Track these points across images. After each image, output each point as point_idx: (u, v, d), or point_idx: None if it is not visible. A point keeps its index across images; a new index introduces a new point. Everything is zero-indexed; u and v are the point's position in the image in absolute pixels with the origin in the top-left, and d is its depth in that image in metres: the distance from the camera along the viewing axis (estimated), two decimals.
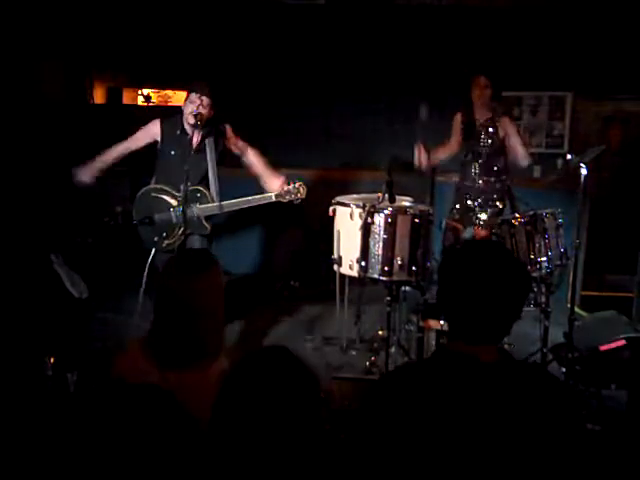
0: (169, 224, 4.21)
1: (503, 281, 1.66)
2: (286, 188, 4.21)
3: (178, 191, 4.12)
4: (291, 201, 4.23)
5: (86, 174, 4.28)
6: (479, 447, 1.54)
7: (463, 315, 1.69)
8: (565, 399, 1.66)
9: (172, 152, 4.22)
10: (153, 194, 4.26)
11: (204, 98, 4.12)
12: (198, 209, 4.17)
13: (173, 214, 4.20)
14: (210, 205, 4.20)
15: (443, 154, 5.02)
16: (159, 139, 4.28)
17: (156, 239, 4.26)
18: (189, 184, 4.04)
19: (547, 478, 1.55)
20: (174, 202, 4.19)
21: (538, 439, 1.56)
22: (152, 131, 4.29)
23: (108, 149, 4.35)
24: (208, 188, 4.23)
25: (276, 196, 4.21)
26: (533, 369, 1.79)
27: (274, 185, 4.27)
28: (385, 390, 1.70)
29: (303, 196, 4.24)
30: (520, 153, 4.78)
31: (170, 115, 4.33)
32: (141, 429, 1.20)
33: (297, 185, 4.23)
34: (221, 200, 4.25)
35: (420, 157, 4.84)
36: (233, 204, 4.23)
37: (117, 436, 1.18)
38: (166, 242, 4.24)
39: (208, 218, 4.25)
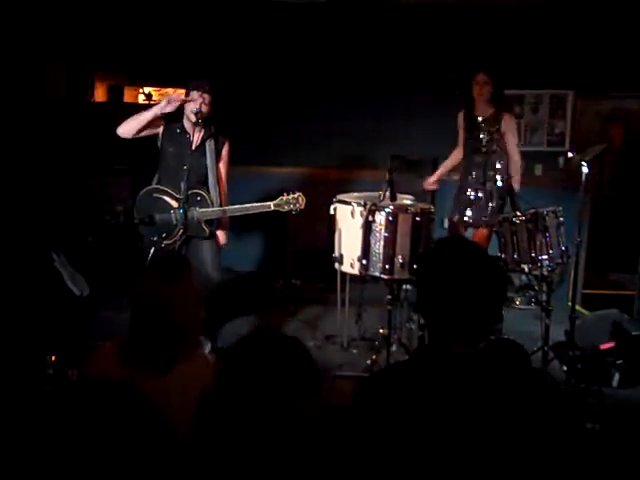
0: (169, 225, 4.21)
1: (476, 280, 1.65)
2: (285, 198, 4.19)
3: (179, 192, 4.12)
4: (290, 211, 4.21)
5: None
6: (464, 443, 1.54)
7: (440, 316, 1.68)
8: (550, 394, 1.65)
9: (171, 150, 4.22)
10: (155, 194, 4.26)
11: (205, 96, 4.13)
12: (198, 213, 4.17)
13: (173, 216, 4.19)
14: (209, 210, 4.19)
15: (451, 164, 5.11)
16: (160, 136, 4.27)
17: (155, 238, 4.23)
18: (187, 183, 4.06)
19: (533, 475, 1.55)
20: (175, 204, 4.18)
21: (525, 435, 1.55)
22: (159, 122, 4.23)
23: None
24: (208, 191, 4.22)
25: (274, 205, 4.19)
26: (517, 362, 1.78)
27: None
28: (372, 389, 1.70)
29: (302, 206, 4.21)
30: (514, 152, 4.78)
31: (170, 115, 4.32)
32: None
33: (296, 196, 4.20)
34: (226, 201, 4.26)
35: (427, 182, 5.02)
36: (232, 210, 4.23)
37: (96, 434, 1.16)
38: (165, 242, 4.22)
39: (208, 222, 4.24)
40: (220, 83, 4.47)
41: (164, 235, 4.22)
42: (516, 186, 4.66)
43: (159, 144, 4.28)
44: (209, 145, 4.25)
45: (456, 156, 5.05)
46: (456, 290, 1.64)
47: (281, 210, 4.21)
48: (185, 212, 4.00)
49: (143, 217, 4.23)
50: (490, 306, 1.68)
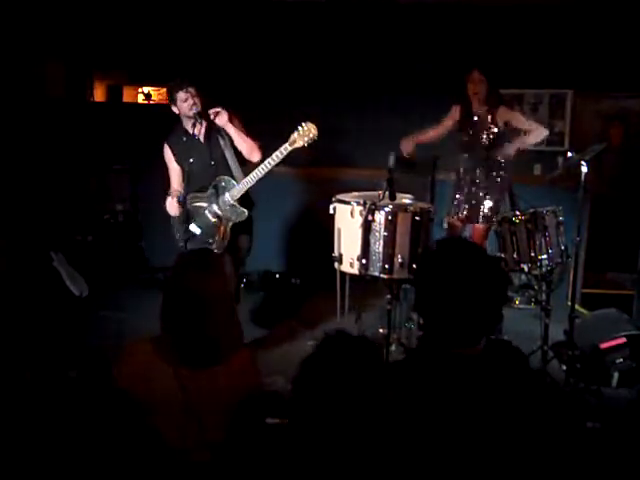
0: (208, 226, 4.18)
1: (476, 281, 1.64)
2: (296, 134, 4.09)
3: (204, 191, 4.15)
4: (306, 144, 4.08)
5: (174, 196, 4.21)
6: (463, 443, 1.54)
7: (439, 316, 1.68)
8: (550, 395, 1.65)
9: (191, 160, 4.18)
10: (186, 207, 4.22)
11: (191, 90, 4.09)
12: (227, 197, 4.14)
13: (208, 213, 4.18)
14: (237, 187, 4.13)
15: (435, 133, 4.97)
16: (173, 158, 4.27)
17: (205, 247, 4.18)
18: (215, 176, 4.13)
19: (534, 475, 1.55)
20: (204, 203, 4.17)
21: (524, 436, 1.55)
22: (169, 157, 4.29)
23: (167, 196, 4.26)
24: (231, 175, 4.17)
25: (290, 144, 4.07)
26: (515, 363, 1.78)
27: (254, 157, 4.23)
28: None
29: (315, 135, 4.10)
30: (531, 128, 4.72)
31: (169, 131, 4.32)
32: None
33: (306, 127, 4.10)
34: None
35: (405, 144, 4.86)
36: (256, 175, 4.10)
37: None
38: (215, 245, 4.18)
39: (244, 202, 4.19)
40: (219, 82, 4.46)
41: (210, 241, 4.18)
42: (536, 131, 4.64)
43: (176, 165, 4.27)
44: (217, 130, 4.20)
45: (439, 130, 4.95)
46: (456, 291, 1.64)
47: (298, 146, 4.08)
48: (218, 203, 4.03)
49: (186, 236, 4.19)
50: (490, 307, 1.67)
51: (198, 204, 4.21)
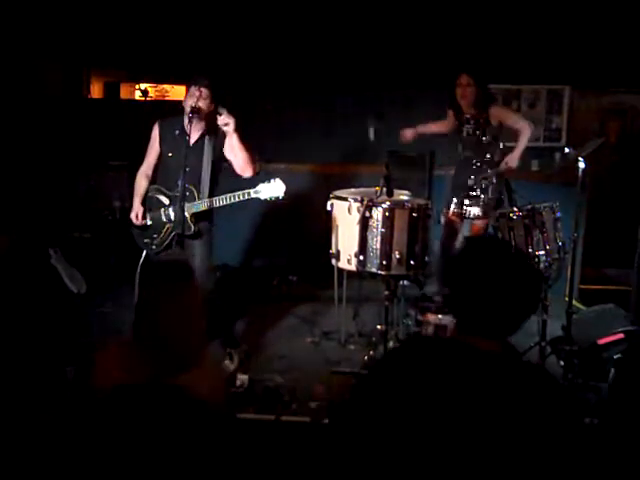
0: (158, 223, 4.13)
1: (512, 277, 1.68)
2: (264, 185, 3.91)
3: (170, 190, 4.07)
4: (269, 199, 3.94)
5: (136, 212, 4.18)
6: (462, 436, 1.55)
7: (469, 309, 1.70)
8: (559, 397, 1.66)
9: (169, 154, 4.10)
10: (149, 193, 4.20)
11: (203, 90, 3.98)
12: (185, 209, 3.99)
13: (163, 213, 4.13)
14: (196, 203, 4.01)
15: (434, 129, 5.05)
16: (159, 140, 4.17)
17: (147, 241, 4.17)
18: (181, 182, 3.94)
19: (532, 471, 1.55)
20: (166, 201, 4.11)
21: (523, 429, 1.56)
22: (155, 136, 4.19)
23: (137, 180, 4.26)
24: (199, 187, 4.06)
25: (254, 192, 3.92)
26: (529, 364, 1.79)
27: (246, 171, 4.09)
28: (374, 377, 1.71)
29: (280, 196, 3.92)
30: (521, 124, 4.71)
31: (170, 115, 4.25)
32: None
33: (274, 184, 3.91)
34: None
35: (405, 133, 4.93)
36: (215, 202, 3.99)
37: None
38: (154, 244, 4.15)
39: (195, 219, 4.05)
40: (217, 78, 4.43)
41: (154, 236, 4.15)
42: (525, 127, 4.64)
43: (158, 147, 4.19)
44: (208, 140, 4.10)
45: (440, 126, 5.01)
46: (494, 287, 1.67)
47: (259, 197, 3.92)
48: (183, 207, 3.92)
49: (142, 224, 4.16)
50: (526, 303, 1.70)
51: (160, 197, 4.14)
